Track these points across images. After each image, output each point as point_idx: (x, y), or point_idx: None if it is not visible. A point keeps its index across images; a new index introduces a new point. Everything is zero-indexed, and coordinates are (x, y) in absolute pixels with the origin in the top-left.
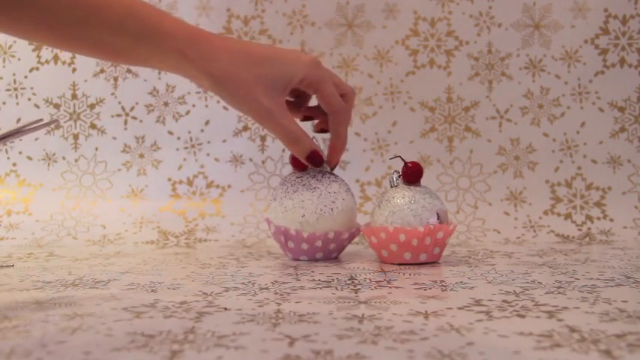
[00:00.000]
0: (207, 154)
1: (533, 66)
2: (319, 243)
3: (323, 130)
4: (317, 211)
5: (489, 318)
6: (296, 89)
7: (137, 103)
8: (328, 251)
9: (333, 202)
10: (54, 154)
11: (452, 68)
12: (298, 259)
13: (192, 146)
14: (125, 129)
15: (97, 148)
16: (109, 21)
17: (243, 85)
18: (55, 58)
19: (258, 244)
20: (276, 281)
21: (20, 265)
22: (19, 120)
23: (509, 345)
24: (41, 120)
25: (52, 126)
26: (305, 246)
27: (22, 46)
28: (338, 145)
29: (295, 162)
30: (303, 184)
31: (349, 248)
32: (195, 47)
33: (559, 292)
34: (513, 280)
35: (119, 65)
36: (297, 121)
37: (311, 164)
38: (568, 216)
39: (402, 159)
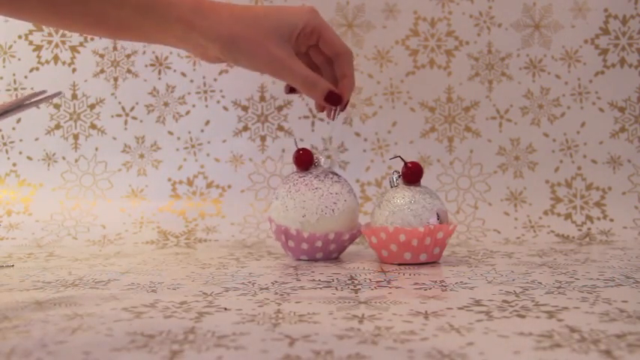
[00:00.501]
0: (208, 154)
1: (533, 66)
2: (319, 243)
3: (292, 91)
4: (318, 211)
5: (489, 318)
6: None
7: (137, 103)
8: (328, 252)
9: (335, 202)
10: (54, 154)
11: (452, 68)
12: (299, 259)
13: (193, 146)
14: (125, 129)
15: (97, 149)
16: None
17: (253, 41)
18: (55, 58)
19: (259, 244)
20: (276, 281)
21: (20, 265)
22: (19, 120)
23: (509, 345)
24: (44, 92)
25: (54, 100)
26: (305, 246)
27: (22, 47)
28: (347, 85)
29: (298, 161)
30: (305, 184)
31: (349, 248)
32: (200, 14)
33: (559, 292)
34: (513, 280)
35: (119, 66)
36: (284, 93)
37: (330, 104)
38: (568, 216)
39: (402, 159)
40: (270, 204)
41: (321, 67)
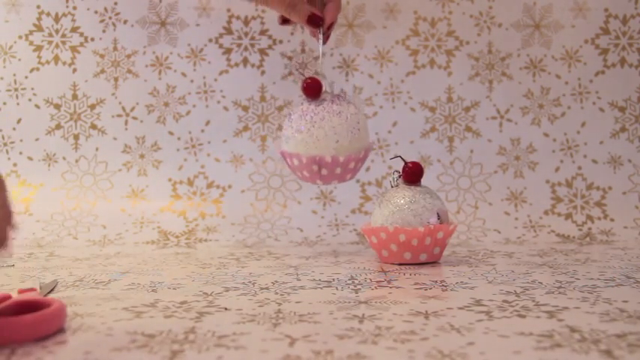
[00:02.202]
0: (208, 155)
1: (533, 66)
2: (352, 164)
3: (285, 22)
4: (348, 134)
5: (490, 318)
6: None
7: (137, 104)
8: (357, 171)
9: (358, 122)
10: (54, 155)
11: (452, 68)
12: (329, 184)
13: (193, 146)
14: (126, 129)
15: (97, 149)
16: None
17: None
18: (56, 58)
19: (259, 244)
20: (277, 281)
21: (20, 265)
22: (19, 120)
23: (509, 345)
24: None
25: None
26: (339, 170)
27: (22, 47)
28: (331, 8)
29: (309, 90)
30: (328, 111)
31: (350, 248)
32: None
33: (559, 292)
34: (514, 280)
35: (119, 66)
36: (278, 24)
37: (311, 25)
38: (568, 216)
39: (403, 159)
40: (286, 140)
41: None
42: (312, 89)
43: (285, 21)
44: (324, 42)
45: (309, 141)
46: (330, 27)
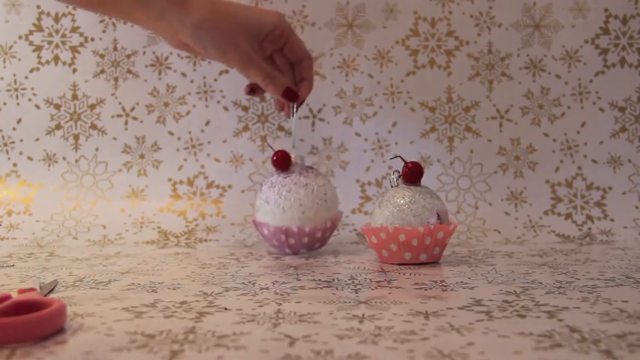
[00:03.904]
0: (208, 155)
1: (533, 66)
2: (319, 234)
3: (252, 92)
4: (314, 205)
5: (490, 318)
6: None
7: (137, 104)
8: (325, 239)
9: (325, 193)
10: (54, 155)
11: (452, 68)
12: (297, 253)
13: (193, 146)
14: (126, 129)
15: (97, 149)
16: None
17: (224, 32)
18: (56, 58)
19: (259, 244)
20: (277, 281)
21: (20, 265)
22: (19, 120)
23: (509, 345)
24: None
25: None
26: (306, 240)
27: (22, 47)
28: (306, 87)
29: (278, 162)
30: (295, 183)
31: (350, 248)
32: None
33: (559, 292)
34: (514, 280)
35: (119, 66)
36: (244, 94)
37: (287, 100)
38: (568, 216)
39: (402, 159)
40: (257, 210)
41: (283, 71)
42: (281, 162)
43: (252, 91)
44: (292, 116)
45: (276, 212)
46: (300, 104)
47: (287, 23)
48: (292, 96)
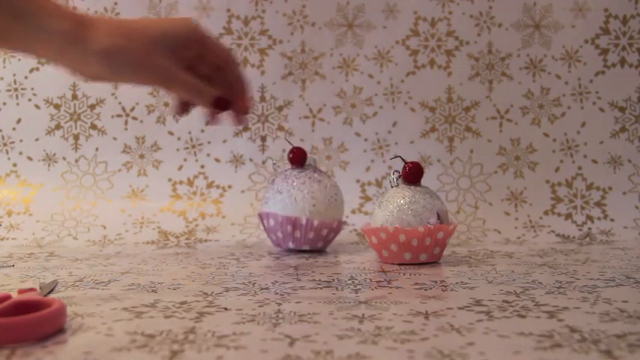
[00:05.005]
0: (208, 155)
1: (533, 66)
2: (325, 232)
3: (183, 110)
4: (325, 200)
5: (490, 318)
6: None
7: (137, 104)
8: (328, 241)
9: (336, 193)
10: (54, 155)
11: (452, 68)
12: (299, 249)
13: (193, 147)
14: (125, 129)
15: (97, 149)
16: None
17: (138, 53)
18: None
19: (259, 244)
20: (277, 281)
21: (20, 265)
22: (19, 120)
23: (509, 345)
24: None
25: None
26: (312, 235)
27: None
28: (243, 87)
29: (295, 158)
30: (309, 177)
31: (350, 248)
32: (81, 27)
33: (559, 293)
34: (514, 280)
35: None
36: (176, 115)
37: (219, 109)
38: (568, 216)
39: (402, 159)
40: (266, 201)
41: (212, 76)
42: (298, 157)
43: (183, 110)
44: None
45: (287, 201)
46: (248, 110)
47: (199, 28)
48: (223, 104)
